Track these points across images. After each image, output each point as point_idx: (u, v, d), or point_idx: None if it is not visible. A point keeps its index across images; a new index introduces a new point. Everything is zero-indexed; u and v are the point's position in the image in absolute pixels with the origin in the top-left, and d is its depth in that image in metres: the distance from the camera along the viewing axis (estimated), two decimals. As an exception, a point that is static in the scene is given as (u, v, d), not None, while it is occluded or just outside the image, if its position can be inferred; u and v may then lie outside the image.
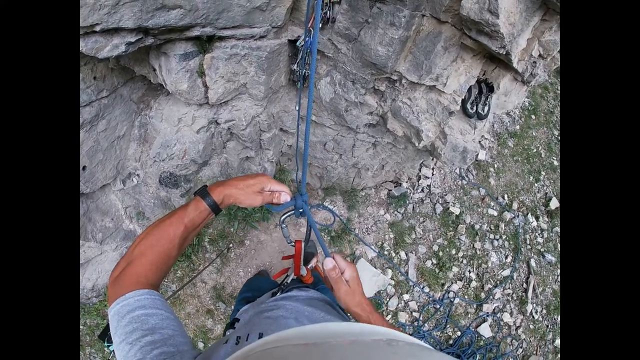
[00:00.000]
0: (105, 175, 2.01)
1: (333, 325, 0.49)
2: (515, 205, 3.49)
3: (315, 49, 0.91)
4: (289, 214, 1.05)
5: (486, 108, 2.57)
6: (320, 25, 2.24)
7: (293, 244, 1.11)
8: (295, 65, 2.51)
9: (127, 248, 2.44)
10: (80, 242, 2.04)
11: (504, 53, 1.84)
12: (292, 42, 2.37)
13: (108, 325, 1.44)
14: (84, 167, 1.84)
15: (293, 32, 2.31)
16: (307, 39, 2.33)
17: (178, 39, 1.83)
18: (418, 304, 2.97)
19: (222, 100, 2.24)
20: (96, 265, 2.27)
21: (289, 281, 1.30)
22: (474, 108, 2.56)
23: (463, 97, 2.44)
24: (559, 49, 2.05)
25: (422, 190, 3.33)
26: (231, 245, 2.78)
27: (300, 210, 1.04)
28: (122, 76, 1.93)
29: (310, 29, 2.28)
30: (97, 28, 1.41)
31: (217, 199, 0.88)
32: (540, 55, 2.11)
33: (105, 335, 1.42)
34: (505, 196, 3.51)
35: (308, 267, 1.26)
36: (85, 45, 1.46)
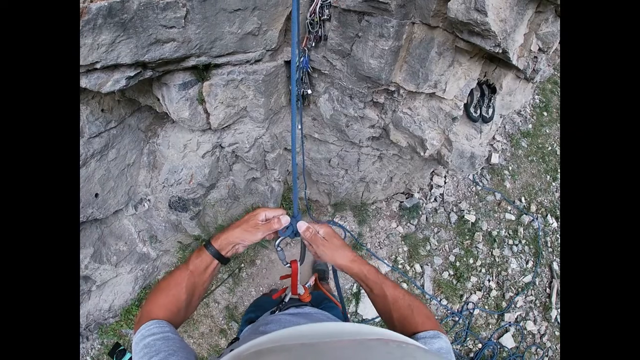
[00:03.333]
0: (118, 202, 2.13)
1: (329, 325, 0.49)
2: (533, 207, 3.33)
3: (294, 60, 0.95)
4: (283, 236, 1.05)
5: (490, 110, 2.51)
6: (314, 43, 2.30)
7: (289, 265, 1.11)
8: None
9: (141, 270, 2.56)
10: (96, 265, 2.16)
11: (501, 51, 1.79)
12: (289, 63, 2.43)
13: (117, 343, 1.51)
14: (96, 195, 1.96)
15: (288, 53, 2.37)
16: (302, 58, 2.40)
17: (176, 69, 1.94)
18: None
19: (224, 124, 2.33)
20: (112, 287, 2.37)
21: (287, 300, 1.30)
22: (478, 111, 2.50)
23: (465, 102, 2.39)
24: (558, 40, 1.99)
25: (435, 200, 3.25)
26: (242, 265, 2.82)
27: (295, 232, 1.05)
28: (129, 107, 2.07)
29: (305, 48, 2.36)
30: (98, 65, 1.53)
31: (217, 247, 0.94)
32: (540, 50, 2.02)
33: (114, 353, 1.48)
34: (523, 199, 3.36)
35: (306, 285, 1.26)
36: (89, 82, 1.58)
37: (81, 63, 1.47)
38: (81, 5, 1.35)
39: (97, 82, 1.60)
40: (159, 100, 2.11)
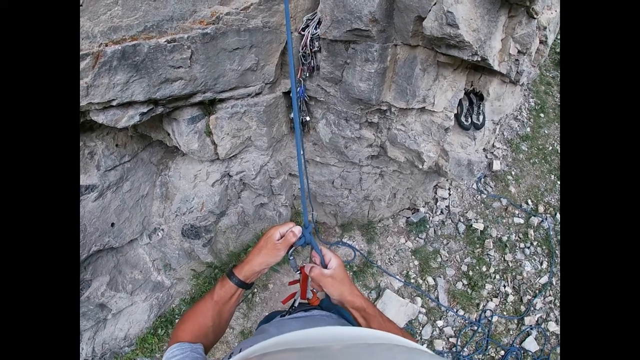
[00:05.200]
0: (133, 231, 2.25)
1: (336, 329, 0.53)
2: (541, 208, 3.33)
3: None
4: (296, 245, 1.11)
5: (481, 117, 2.59)
6: (308, 74, 2.48)
7: (299, 272, 1.17)
8: (292, 113, 2.74)
9: (156, 299, 2.60)
10: (112, 292, 2.22)
11: (480, 59, 1.88)
12: (287, 94, 2.59)
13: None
14: (112, 224, 2.09)
15: (286, 84, 2.54)
16: (298, 88, 2.59)
17: (184, 105, 2.10)
18: (454, 328, 2.77)
19: (231, 154, 2.46)
20: (127, 316, 2.41)
21: (296, 305, 1.35)
22: (469, 120, 2.59)
23: (455, 112, 2.48)
24: (536, 40, 2.09)
25: (442, 212, 3.27)
26: (255, 290, 2.84)
27: (306, 241, 1.10)
28: (141, 142, 2.25)
29: (300, 79, 2.55)
30: (114, 103, 1.70)
31: (242, 277, 1.00)
32: (519, 52, 2.09)
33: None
34: (529, 201, 3.37)
35: (314, 290, 1.31)
36: (105, 118, 1.74)
37: (98, 101, 1.64)
38: (97, 48, 1.55)
39: (113, 118, 1.77)
40: (169, 135, 2.27)
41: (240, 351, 0.75)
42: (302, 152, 2.59)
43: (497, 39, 1.99)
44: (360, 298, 0.98)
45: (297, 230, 1.05)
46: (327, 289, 1.00)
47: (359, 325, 0.97)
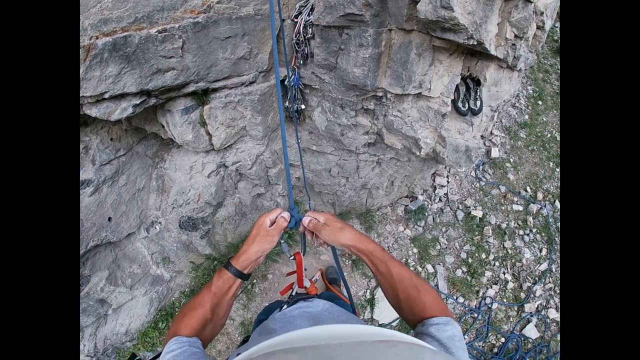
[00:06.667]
0: (130, 225, 2.24)
1: (337, 327, 0.53)
2: (540, 195, 3.31)
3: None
4: (288, 227, 1.11)
5: (478, 103, 2.56)
6: (302, 61, 2.45)
7: (293, 257, 1.18)
8: (287, 102, 2.72)
9: (156, 292, 2.61)
10: (112, 287, 2.23)
11: (476, 43, 1.85)
12: (281, 82, 2.57)
13: (133, 353, 1.54)
14: (109, 218, 2.08)
15: (280, 73, 2.53)
16: (292, 77, 2.56)
17: (177, 96, 2.08)
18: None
19: (226, 144, 2.45)
20: (128, 311, 2.43)
21: (294, 294, 1.35)
22: (466, 105, 2.56)
23: (452, 98, 2.46)
24: (533, 25, 2.05)
25: (440, 200, 3.26)
26: (255, 280, 2.85)
27: (296, 222, 1.11)
28: (136, 135, 2.23)
29: (294, 67, 2.52)
30: (106, 95, 1.69)
31: (239, 267, 0.99)
32: (516, 36, 2.06)
33: (132, 361, 1.50)
34: (528, 188, 3.35)
35: (312, 279, 1.31)
36: (98, 111, 1.73)
37: (91, 94, 1.62)
38: (88, 41, 1.52)
39: (106, 110, 1.75)
40: (163, 127, 2.26)
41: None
42: (293, 141, 2.55)
43: (493, 23, 1.95)
44: (366, 241, 0.98)
45: (287, 215, 1.07)
46: (326, 238, 1.01)
47: (372, 271, 0.98)
